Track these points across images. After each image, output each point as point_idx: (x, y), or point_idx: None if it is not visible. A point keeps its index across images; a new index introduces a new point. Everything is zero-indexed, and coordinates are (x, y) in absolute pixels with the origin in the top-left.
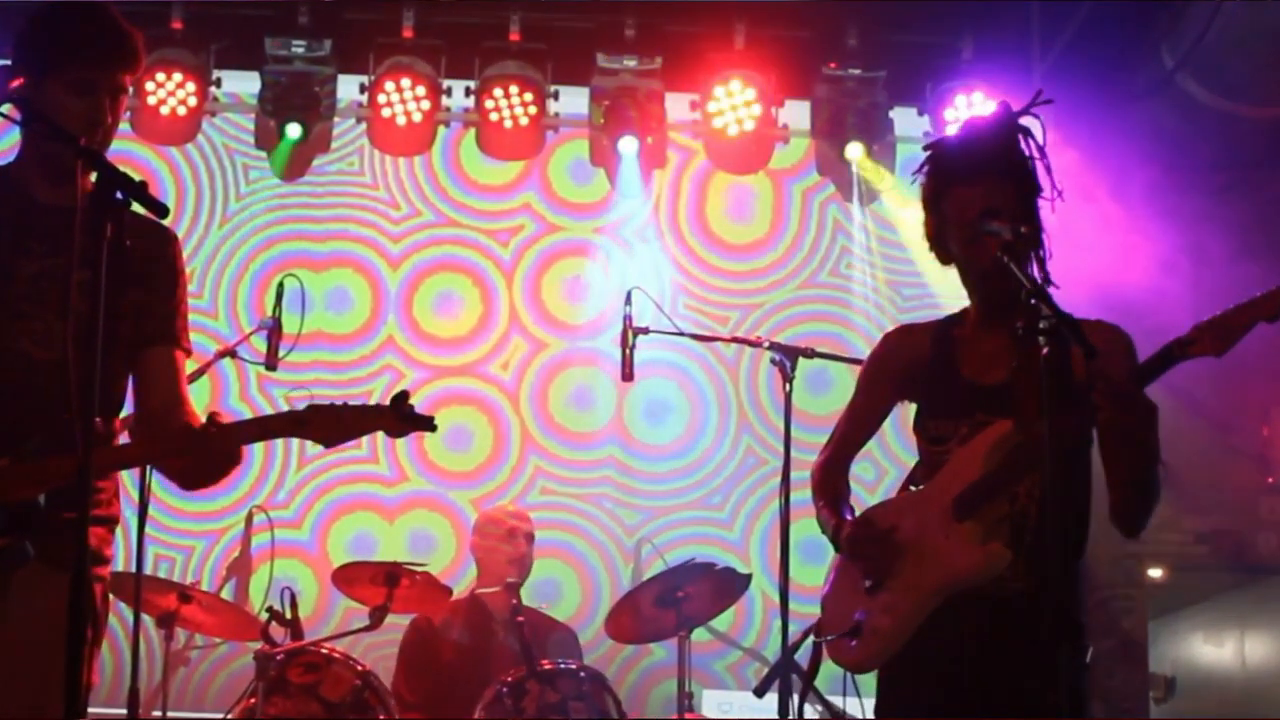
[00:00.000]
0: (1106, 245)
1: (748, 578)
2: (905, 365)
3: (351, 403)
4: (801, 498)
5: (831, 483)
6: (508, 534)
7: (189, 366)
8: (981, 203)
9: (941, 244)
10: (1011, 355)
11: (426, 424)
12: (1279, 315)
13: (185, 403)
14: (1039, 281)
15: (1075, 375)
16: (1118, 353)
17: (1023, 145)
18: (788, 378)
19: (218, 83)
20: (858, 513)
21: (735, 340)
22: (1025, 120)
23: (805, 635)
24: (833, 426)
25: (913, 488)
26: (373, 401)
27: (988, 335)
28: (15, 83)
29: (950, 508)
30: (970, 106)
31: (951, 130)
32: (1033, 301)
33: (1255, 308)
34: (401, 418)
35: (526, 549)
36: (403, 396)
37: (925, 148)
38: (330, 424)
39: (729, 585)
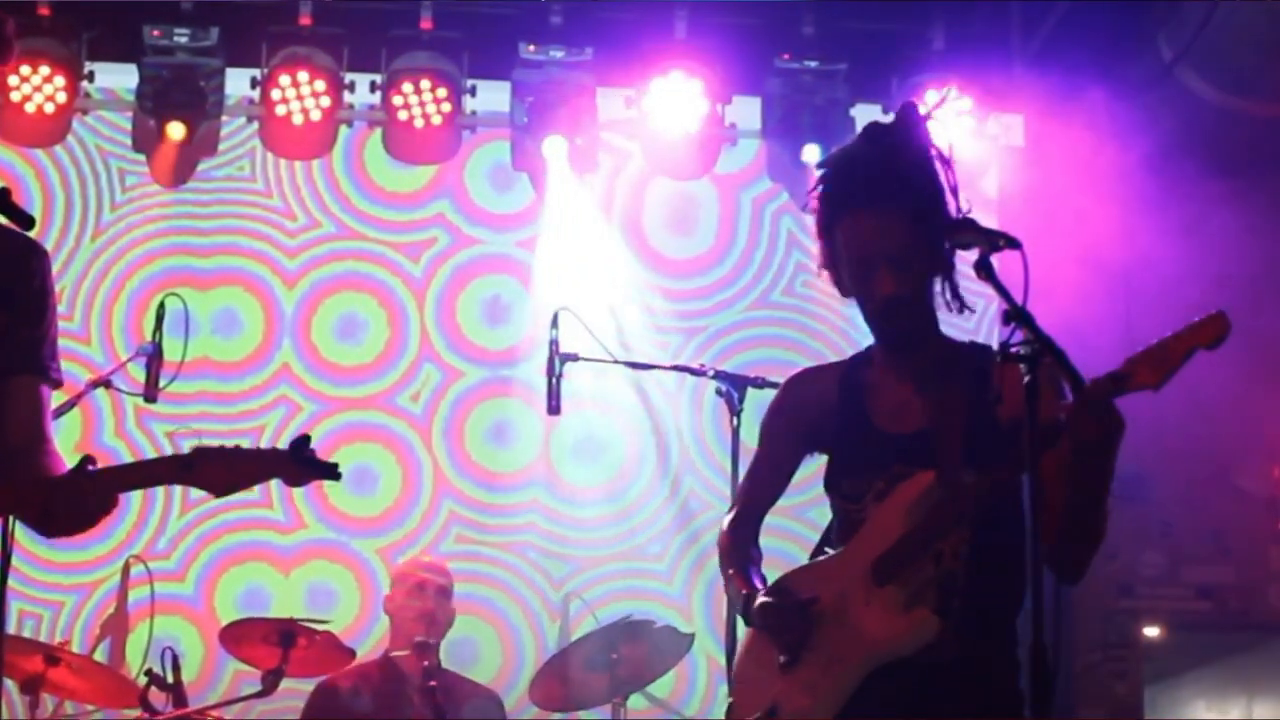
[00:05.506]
0: (1100, 254)
1: (690, 637)
2: (812, 415)
3: (244, 445)
4: None
5: (742, 548)
6: (416, 587)
7: (58, 398)
8: (874, 237)
9: (837, 275)
10: (926, 398)
11: (329, 472)
12: (1218, 343)
13: (48, 441)
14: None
15: (1002, 416)
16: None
17: (926, 157)
18: (735, 410)
19: (90, 76)
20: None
21: (676, 368)
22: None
23: None
24: None
25: (828, 550)
26: (265, 438)
27: (897, 377)
28: None
29: (870, 572)
30: (943, 102)
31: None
32: (1010, 326)
33: (1191, 335)
34: (301, 465)
35: (436, 604)
36: (304, 441)
37: (818, 165)
38: (219, 470)
39: (669, 646)
